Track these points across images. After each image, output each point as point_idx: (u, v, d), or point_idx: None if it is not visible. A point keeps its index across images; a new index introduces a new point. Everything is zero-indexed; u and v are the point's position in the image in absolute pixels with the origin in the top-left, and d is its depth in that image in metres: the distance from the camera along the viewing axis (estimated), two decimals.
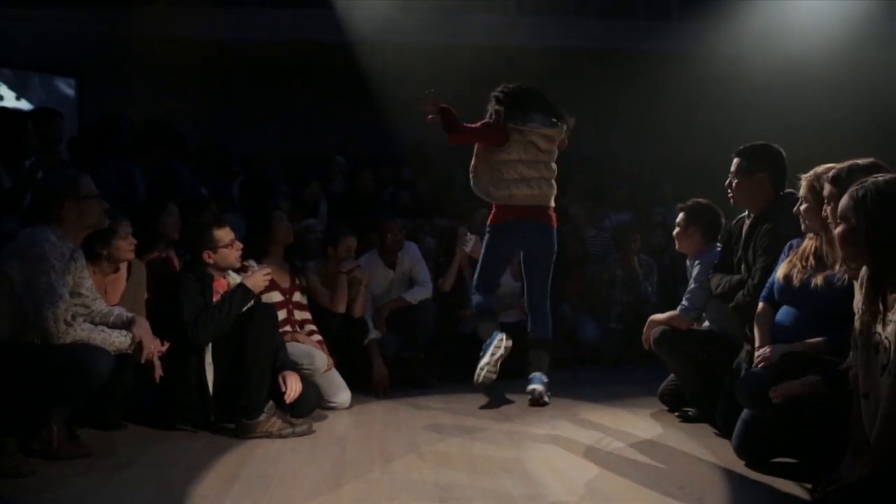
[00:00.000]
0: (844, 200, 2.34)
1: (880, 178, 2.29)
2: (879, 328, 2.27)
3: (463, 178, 5.23)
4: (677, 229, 4.33)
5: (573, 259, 6.33)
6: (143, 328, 3.40)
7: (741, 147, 3.83)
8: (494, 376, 4.30)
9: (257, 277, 3.91)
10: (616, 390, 4.87)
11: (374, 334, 4.92)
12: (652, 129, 9.08)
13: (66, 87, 8.36)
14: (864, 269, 2.37)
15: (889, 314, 2.22)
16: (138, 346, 3.34)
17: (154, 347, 3.40)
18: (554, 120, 4.43)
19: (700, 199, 4.31)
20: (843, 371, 2.54)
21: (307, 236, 5.21)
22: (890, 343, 2.19)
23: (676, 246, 4.39)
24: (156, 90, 7.81)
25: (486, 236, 4.54)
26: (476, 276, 4.61)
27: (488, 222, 4.54)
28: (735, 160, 3.82)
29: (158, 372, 3.43)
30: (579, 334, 6.07)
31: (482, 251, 4.60)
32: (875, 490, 2.15)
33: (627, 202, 7.79)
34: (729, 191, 3.85)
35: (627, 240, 6.26)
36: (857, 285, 2.43)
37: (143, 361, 3.37)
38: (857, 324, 2.37)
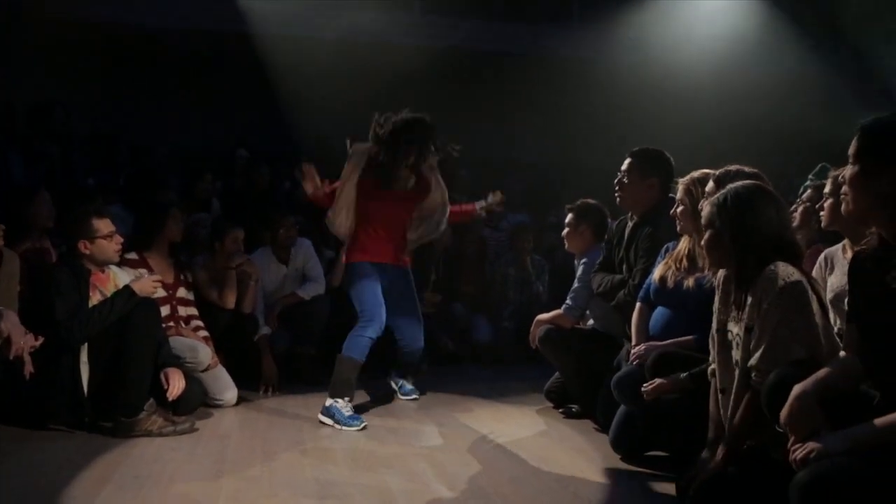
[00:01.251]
0: (707, 208, 2.47)
1: (739, 184, 2.43)
2: (732, 326, 2.40)
3: None
4: (567, 229, 4.44)
5: (470, 258, 6.43)
6: (12, 322, 3.23)
7: (636, 149, 3.94)
8: None
9: (146, 283, 3.80)
10: (505, 387, 4.96)
11: (264, 330, 4.87)
12: (551, 132, 9.25)
13: None
14: (720, 272, 2.50)
15: (741, 313, 2.35)
16: (6, 341, 3.19)
17: (24, 343, 3.25)
18: None
19: (587, 200, 4.44)
20: (706, 368, 2.66)
21: (196, 231, 5.10)
22: (741, 340, 2.32)
23: (566, 245, 4.50)
24: (40, 74, 7.43)
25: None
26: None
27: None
28: (628, 160, 3.91)
29: (29, 368, 3.26)
30: (472, 334, 6.15)
31: None
32: (730, 480, 2.27)
33: (526, 204, 7.93)
34: (617, 188, 3.95)
35: (521, 240, 6.37)
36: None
37: (11, 358, 3.22)
38: (714, 323, 2.50)
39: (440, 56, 7.99)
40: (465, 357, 6.05)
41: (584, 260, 4.30)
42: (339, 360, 4.03)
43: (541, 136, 9.37)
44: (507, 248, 6.59)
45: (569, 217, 4.44)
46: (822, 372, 2.00)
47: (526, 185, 8.38)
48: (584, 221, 4.37)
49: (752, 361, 2.22)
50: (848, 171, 2.01)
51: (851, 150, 1.98)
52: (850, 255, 2.85)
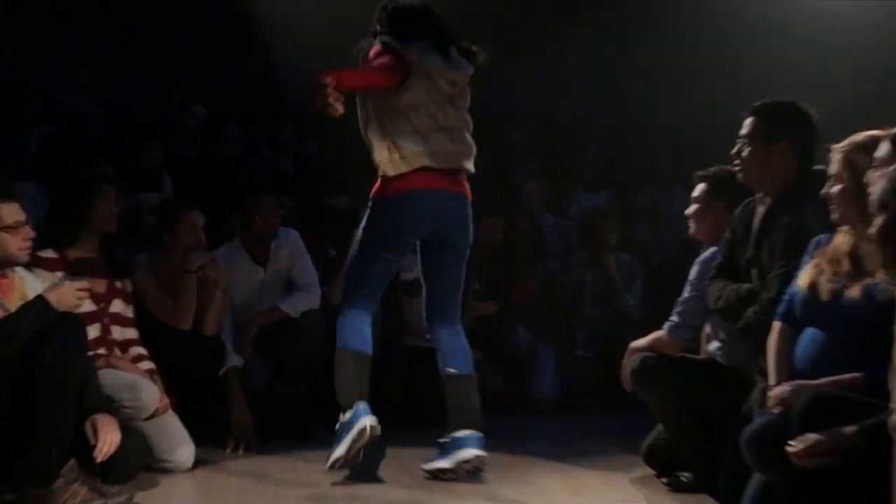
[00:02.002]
0: (880, 184, 2.41)
1: None
2: None
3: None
4: (695, 206, 4.41)
5: (522, 258, 6.34)
6: None
7: (758, 104, 3.91)
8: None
9: (66, 292, 3.81)
10: (582, 447, 4.99)
11: (233, 361, 4.90)
12: (633, 82, 9.23)
13: None
14: None
15: None
16: None
17: None
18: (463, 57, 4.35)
19: (725, 167, 4.35)
20: (885, 419, 2.57)
21: (138, 217, 5.11)
22: None
23: (691, 230, 4.48)
24: None
25: (374, 216, 4.33)
26: (351, 282, 4.44)
27: (378, 194, 4.32)
28: (750, 120, 3.90)
29: None
30: (531, 379, 6.12)
31: (362, 241, 4.35)
32: None
33: (603, 180, 7.90)
34: (736, 162, 3.93)
35: (600, 231, 6.35)
36: None
37: None
38: None
39: None
40: (518, 404, 6.10)
41: (702, 257, 4.27)
42: (468, 382, 4.30)
43: (621, 89, 9.34)
44: (580, 244, 6.56)
45: (699, 189, 4.40)
46: None
47: (604, 155, 8.35)
48: (720, 197, 4.30)
49: None
50: None
51: None
52: None
